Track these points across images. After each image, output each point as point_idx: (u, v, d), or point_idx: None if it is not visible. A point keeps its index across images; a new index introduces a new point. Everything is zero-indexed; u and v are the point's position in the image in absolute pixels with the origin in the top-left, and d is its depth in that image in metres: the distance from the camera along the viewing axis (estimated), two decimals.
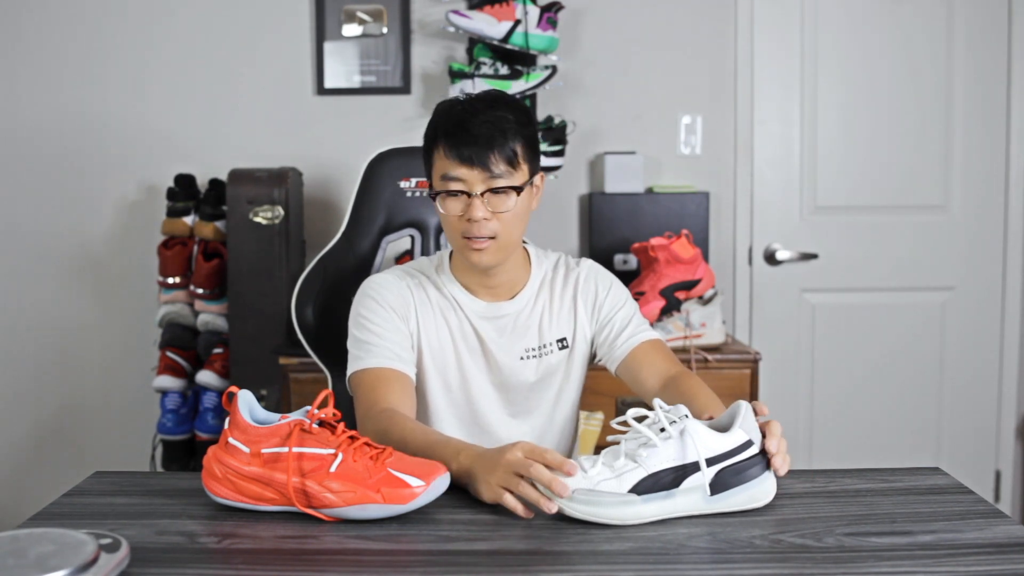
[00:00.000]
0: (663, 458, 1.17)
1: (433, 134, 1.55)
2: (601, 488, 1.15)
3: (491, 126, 1.49)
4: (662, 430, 1.19)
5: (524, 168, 1.54)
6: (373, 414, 1.47)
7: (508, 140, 1.50)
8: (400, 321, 1.59)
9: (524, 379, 1.63)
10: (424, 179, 1.88)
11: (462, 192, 1.51)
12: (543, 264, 1.69)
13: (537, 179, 1.59)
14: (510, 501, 1.18)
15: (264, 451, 1.20)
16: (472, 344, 1.63)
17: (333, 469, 1.17)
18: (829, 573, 1.03)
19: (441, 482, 1.19)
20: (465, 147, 1.49)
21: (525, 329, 1.64)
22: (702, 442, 1.18)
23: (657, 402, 1.23)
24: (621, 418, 1.24)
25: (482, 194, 1.50)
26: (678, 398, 1.43)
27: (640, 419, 1.22)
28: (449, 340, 1.62)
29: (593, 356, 1.69)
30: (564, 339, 1.65)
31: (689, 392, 1.48)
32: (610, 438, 1.23)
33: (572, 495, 1.15)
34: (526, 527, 1.15)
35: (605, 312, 1.65)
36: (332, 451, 1.18)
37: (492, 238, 1.52)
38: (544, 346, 1.64)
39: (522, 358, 1.63)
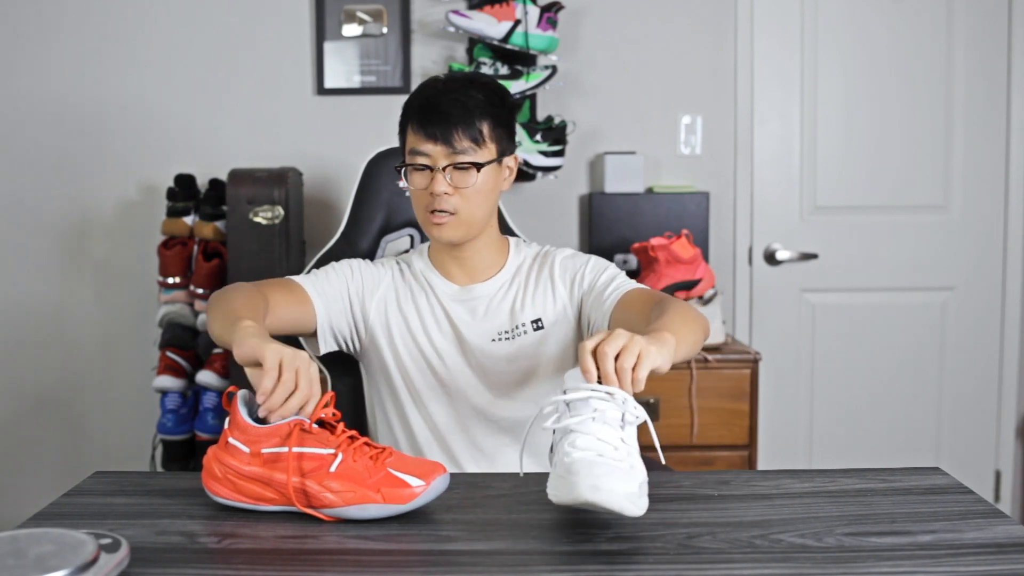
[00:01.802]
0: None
1: (407, 110, 1.62)
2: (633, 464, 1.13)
3: (459, 105, 1.56)
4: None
5: (490, 147, 1.59)
6: (243, 284, 1.52)
7: (474, 118, 1.56)
8: (350, 293, 1.64)
9: (498, 361, 1.64)
10: None
11: (426, 167, 1.57)
12: (522, 252, 1.72)
13: (509, 160, 1.64)
14: (255, 376, 1.20)
15: (264, 451, 1.20)
16: (444, 326, 1.65)
17: (333, 469, 1.17)
18: (829, 573, 1.03)
19: (441, 482, 1.19)
20: (431, 124, 1.56)
21: (497, 311, 1.65)
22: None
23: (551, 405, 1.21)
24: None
25: (444, 168, 1.56)
26: (656, 319, 1.40)
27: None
28: (419, 322, 1.65)
29: (580, 332, 1.68)
30: (539, 320, 1.65)
31: (662, 313, 1.40)
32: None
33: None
34: (526, 527, 1.15)
35: (588, 280, 1.66)
36: (332, 451, 1.18)
37: (453, 213, 1.57)
38: (517, 327, 1.65)
39: (494, 340, 1.64)
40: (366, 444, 1.21)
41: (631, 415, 1.16)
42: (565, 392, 1.18)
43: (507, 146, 1.63)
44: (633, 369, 1.18)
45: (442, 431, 1.66)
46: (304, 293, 1.58)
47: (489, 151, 1.59)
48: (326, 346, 1.63)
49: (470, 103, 1.56)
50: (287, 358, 1.19)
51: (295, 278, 1.61)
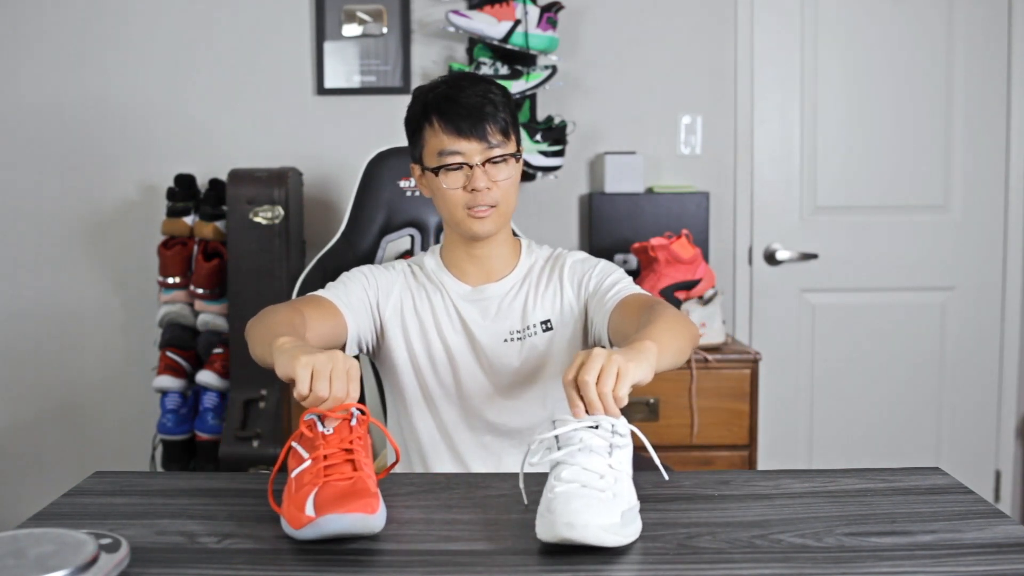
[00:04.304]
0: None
1: (422, 113, 1.60)
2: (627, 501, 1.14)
3: (481, 99, 1.57)
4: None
5: (513, 139, 1.61)
6: (277, 305, 1.51)
7: (499, 111, 1.58)
8: (369, 299, 1.64)
9: (509, 361, 1.64)
10: None
11: (462, 164, 1.57)
12: (534, 254, 1.72)
13: (519, 152, 1.65)
14: (304, 386, 1.17)
15: (292, 443, 1.21)
16: (457, 326, 1.65)
17: (293, 475, 1.17)
18: (829, 573, 1.03)
19: (349, 521, 1.08)
20: (461, 120, 1.56)
21: (509, 312, 1.65)
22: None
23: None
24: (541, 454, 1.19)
25: (482, 164, 1.56)
26: (641, 328, 1.39)
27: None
28: (433, 322, 1.65)
29: (586, 335, 1.68)
30: (548, 321, 1.65)
31: (649, 321, 1.40)
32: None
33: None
34: (526, 527, 1.15)
35: (594, 283, 1.65)
36: (307, 457, 1.17)
37: (493, 206, 1.58)
38: (528, 328, 1.65)
39: (506, 340, 1.64)
40: (349, 461, 1.16)
41: (620, 441, 1.16)
42: (554, 424, 1.18)
43: (519, 138, 1.65)
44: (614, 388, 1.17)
45: (450, 431, 1.66)
46: (334, 307, 1.57)
47: (513, 144, 1.61)
48: (350, 353, 1.63)
49: (492, 97, 1.58)
50: (317, 367, 1.18)
51: (319, 293, 1.61)
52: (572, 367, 1.20)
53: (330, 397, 1.18)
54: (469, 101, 1.56)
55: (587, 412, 1.17)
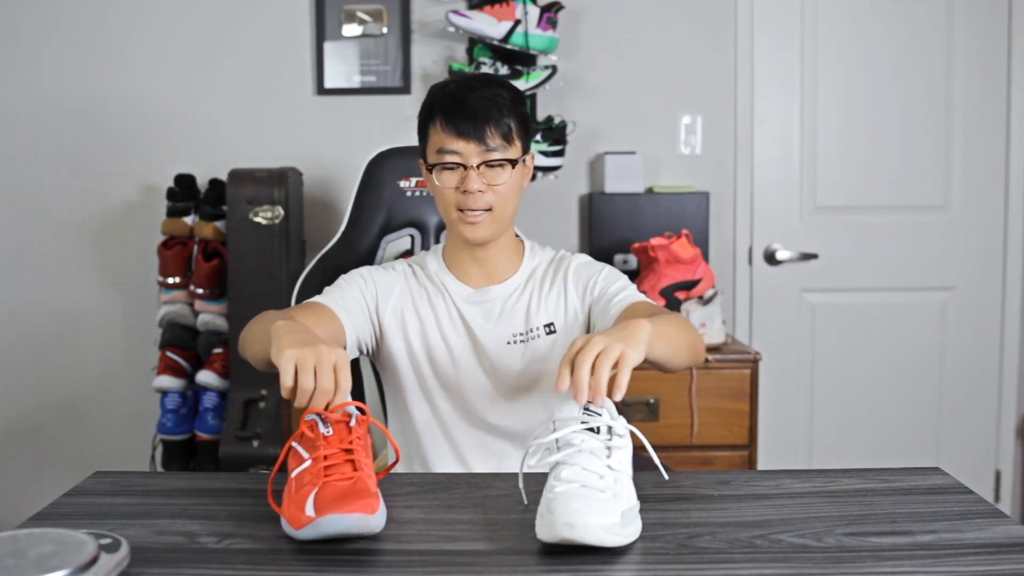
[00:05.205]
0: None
1: (429, 110, 1.60)
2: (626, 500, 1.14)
3: (487, 101, 1.56)
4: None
5: (517, 144, 1.60)
6: (271, 311, 1.50)
7: (503, 115, 1.56)
8: (367, 302, 1.63)
9: (511, 364, 1.64)
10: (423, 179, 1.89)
11: (458, 165, 1.56)
12: (536, 256, 1.72)
13: (527, 158, 1.64)
14: (288, 378, 1.17)
15: (293, 443, 1.21)
16: (459, 328, 1.65)
17: (293, 475, 1.16)
18: (829, 573, 1.03)
19: (337, 521, 1.08)
20: (462, 121, 1.55)
21: (512, 314, 1.65)
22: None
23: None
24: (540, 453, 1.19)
25: (477, 166, 1.55)
26: None
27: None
28: (434, 323, 1.65)
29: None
30: (551, 324, 1.65)
31: (651, 315, 1.41)
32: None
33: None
34: (526, 527, 1.15)
35: (599, 289, 1.65)
36: (307, 457, 1.17)
37: (487, 211, 1.57)
38: (531, 331, 1.64)
39: (508, 343, 1.64)
40: (349, 461, 1.16)
41: (619, 442, 1.16)
42: (554, 426, 1.18)
43: (527, 144, 1.64)
44: (614, 379, 1.18)
45: (452, 432, 1.66)
46: (331, 312, 1.56)
47: (516, 148, 1.59)
48: (350, 356, 1.63)
49: (499, 100, 1.56)
50: (301, 360, 1.18)
51: (316, 300, 1.59)
52: (571, 348, 1.19)
53: (317, 389, 1.17)
54: (474, 103, 1.55)
55: (575, 397, 1.17)
